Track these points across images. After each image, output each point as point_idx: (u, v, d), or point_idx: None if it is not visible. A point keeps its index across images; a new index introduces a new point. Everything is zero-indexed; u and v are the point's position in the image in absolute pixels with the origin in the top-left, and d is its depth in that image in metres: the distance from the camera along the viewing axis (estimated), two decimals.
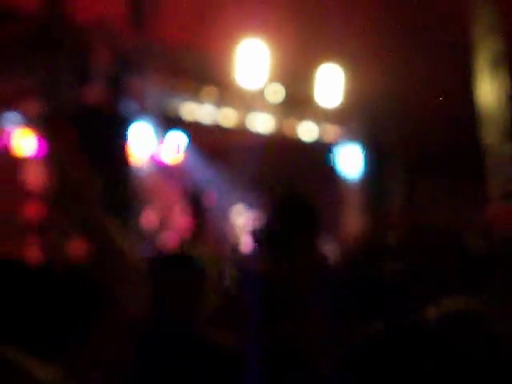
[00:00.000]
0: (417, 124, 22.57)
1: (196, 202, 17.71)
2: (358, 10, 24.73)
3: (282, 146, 22.47)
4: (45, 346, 2.13)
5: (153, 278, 3.30)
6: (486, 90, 21.10)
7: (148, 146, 17.26)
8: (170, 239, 15.78)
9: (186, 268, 3.45)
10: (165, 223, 17.72)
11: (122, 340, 2.09)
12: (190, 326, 3.35)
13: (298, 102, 20.43)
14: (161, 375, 3.19)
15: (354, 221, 22.56)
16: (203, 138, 23.43)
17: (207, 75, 18.17)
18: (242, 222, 20.03)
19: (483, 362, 2.53)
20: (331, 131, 22.19)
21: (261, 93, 19.26)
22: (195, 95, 17.93)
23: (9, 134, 20.50)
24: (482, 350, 2.59)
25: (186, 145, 23.89)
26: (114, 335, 2.07)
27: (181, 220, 19.08)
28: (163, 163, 21.01)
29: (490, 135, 21.07)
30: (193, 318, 3.37)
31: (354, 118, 22.59)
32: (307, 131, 21.37)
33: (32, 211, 19.75)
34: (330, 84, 20.32)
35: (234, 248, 16.14)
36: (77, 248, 13.42)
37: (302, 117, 20.77)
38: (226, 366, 3.23)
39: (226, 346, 3.38)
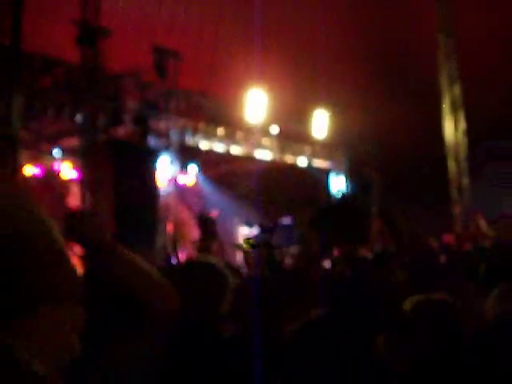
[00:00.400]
0: (392, 157, 22.65)
1: (205, 221, 17.76)
2: (344, 63, 24.92)
3: (280, 172, 22.72)
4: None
5: (182, 283, 3.28)
6: (449, 129, 21.25)
7: (169, 172, 17.36)
8: (187, 250, 15.76)
9: (212, 273, 3.35)
10: (181, 236, 17.71)
11: (153, 340, 2.08)
12: (213, 323, 3.26)
13: (292, 137, 20.51)
14: (186, 370, 3.07)
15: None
16: (215, 166, 23.67)
17: (219, 116, 18.27)
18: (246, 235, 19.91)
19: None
20: (321, 163, 22.23)
21: (263, 129, 19.37)
22: (209, 132, 18.02)
23: (56, 164, 20.76)
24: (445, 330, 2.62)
25: (200, 172, 24.15)
26: (147, 337, 2.00)
27: (195, 234, 19.19)
28: (181, 186, 21.19)
29: (453, 167, 21.18)
30: (216, 316, 3.27)
31: (340, 152, 22.66)
32: (301, 162, 21.46)
33: None
34: (319, 123, 20.36)
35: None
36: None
37: (295, 151, 20.83)
38: (240, 355, 3.13)
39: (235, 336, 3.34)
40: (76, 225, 2.16)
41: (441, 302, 2.74)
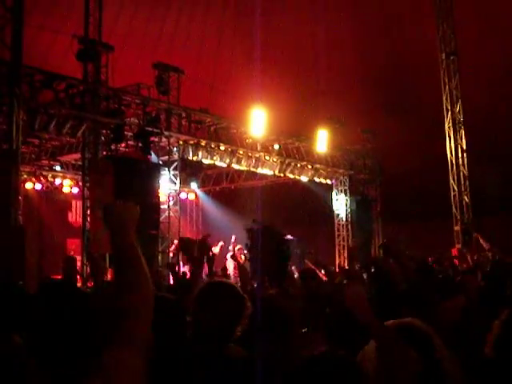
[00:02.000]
0: (393, 176, 22.54)
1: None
2: (346, 82, 24.87)
3: (282, 188, 22.65)
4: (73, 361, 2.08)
5: (202, 304, 3.26)
6: (450, 147, 21.20)
7: (171, 188, 17.21)
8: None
9: (233, 297, 3.28)
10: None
11: (139, 349, 1.96)
12: (225, 345, 3.18)
13: (294, 154, 20.41)
14: None
15: (342, 250, 22.54)
16: (216, 182, 23.59)
17: (221, 133, 18.14)
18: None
19: None
20: (323, 180, 22.11)
21: (264, 146, 19.25)
22: (210, 148, 17.87)
23: (57, 179, 20.64)
24: None
25: (202, 187, 24.06)
26: (132, 346, 1.94)
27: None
28: (183, 201, 21.07)
29: (453, 185, 21.10)
30: (229, 339, 3.20)
31: (342, 170, 22.54)
32: (302, 179, 21.38)
33: (73, 243, 19.73)
34: (321, 141, 20.23)
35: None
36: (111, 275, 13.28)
37: (297, 167, 20.70)
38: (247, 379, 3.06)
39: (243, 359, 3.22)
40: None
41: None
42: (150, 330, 2.04)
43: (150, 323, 2.04)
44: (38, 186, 20.52)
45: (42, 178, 20.49)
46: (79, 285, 11.95)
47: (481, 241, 12.95)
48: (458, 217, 21.06)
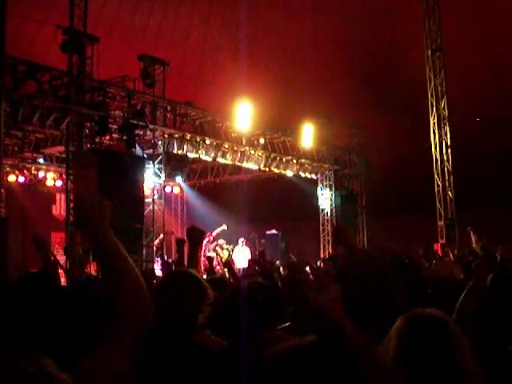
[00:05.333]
0: (378, 171, 22.55)
1: (191, 232, 17.51)
2: (331, 76, 24.80)
3: (267, 183, 22.58)
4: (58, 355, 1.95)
5: (162, 293, 3.30)
6: (435, 143, 21.22)
7: (156, 182, 17.05)
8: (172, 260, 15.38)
9: (193, 285, 3.32)
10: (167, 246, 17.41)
11: (128, 349, 1.93)
12: (189, 332, 3.21)
13: (279, 148, 20.33)
14: (160, 377, 3.03)
15: (326, 245, 22.53)
16: (201, 176, 23.45)
17: (206, 126, 18.01)
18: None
19: None
20: (308, 175, 22.05)
21: (249, 140, 19.14)
22: (196, 142, 17.72)
23: (40, 172, 20.39)
24: None
25: (186, 181, 23.92)
26: (120, 345, 1.92)
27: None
28: (167, 195, 20.93)
29: (438, 180, 21.13)
30: (192, 326, 3.24)
31: (327, 166, 22.50)
32: (287, 173, 21.32)
33: (58, 236, 19.52)
34: (306, 135, 20.18)
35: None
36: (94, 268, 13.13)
37: (282, 162, 20.62)
38: (217, 366, 3.10)
39: (216, 348, 3.30)
40: None
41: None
42: (141, 329, 2.01)
43: (145, 322, 2.03)
44: (21, 179, 20.25)
45: (25, 171, 20.22)
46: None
47: (472, 235, 12.97)
48: (442, 212, 21.09)
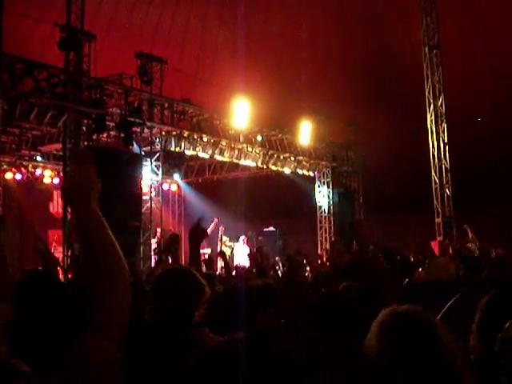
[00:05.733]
0: (375, 169, 22.56)
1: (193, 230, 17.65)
2: (329, 74, 24.82)
3: (265, 180, 22.59)
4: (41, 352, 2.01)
5: (159, 291, 3.35)
6: (432, 140, 21.20)
7: (153, 179, 17.05)
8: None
9: (189, 282, 3.36)
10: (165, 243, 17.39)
11: (113, 336, 1.96)
12: (186, 329, 3.24)
13: (277, 146, 20.35)
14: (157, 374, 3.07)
15: (324, 242, 22.57)
16: (199, 173, 23.45)
17: (204, 124, 18.02)
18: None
19: None
20: (306, 172, 22.09)
21: (247, 138, 19.15)
22: (193, 139, 17.74)
23: (38, 169, 20.36)
24: None
25: (184, 178, 23.91)
26: (105, 339, 1.93)
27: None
28: (165, 192, 20.93)
29: (435, 177, 21.13)
30: (189, 323, 3.26)
31: (324, 163, 22.54)
32: (285, 171, 21.37)
33: (55, 233, 19.51)
34: (304, 133, 20.21)
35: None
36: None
37: (280, 159, 20.64)
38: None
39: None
40: None
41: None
42: (126, 315, 2.02)
43: (128, 309, 2.03)
44: (19, 177, 20.23)
45: (22, 169, 20.19)
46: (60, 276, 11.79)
47: (469, 232, 12.98)
48: (440, 209, 21.10)
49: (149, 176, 16.93)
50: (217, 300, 3.90)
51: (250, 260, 13.05)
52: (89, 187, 2.13)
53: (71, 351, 1.86)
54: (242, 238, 19.88)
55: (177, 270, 3.67)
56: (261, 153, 19.90)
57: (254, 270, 7.21)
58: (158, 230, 17.42)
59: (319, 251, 22.02)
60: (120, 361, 1.93)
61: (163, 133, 17.06)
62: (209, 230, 19.51)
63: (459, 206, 20.68)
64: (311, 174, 22.72)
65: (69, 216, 14.76)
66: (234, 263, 18.06)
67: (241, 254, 19.09)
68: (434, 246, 13.61)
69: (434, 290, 4.27)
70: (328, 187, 23.23)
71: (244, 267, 14.61)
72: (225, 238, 20.03)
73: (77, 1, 15.18)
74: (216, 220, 19.57)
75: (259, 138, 19.71)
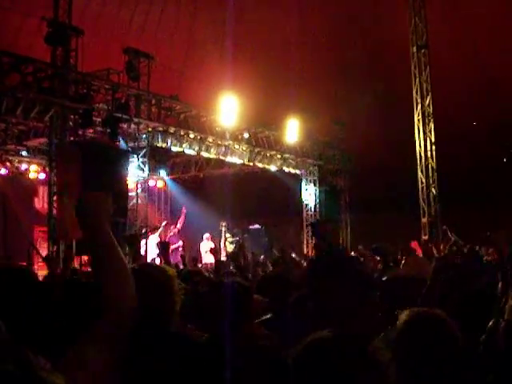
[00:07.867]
0: (362, 167, 22.71)
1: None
2: (316, 72, 24.92)
3: (251, 177, 22.65)
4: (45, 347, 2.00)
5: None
6: (420, 139, 21.34)
7: (139, 175, 17.09)
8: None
9: (153, 278, 3.35)
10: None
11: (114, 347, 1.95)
12: (166, 325, 3.26)
13: (263, 143, 20.45)
14: (144, 367, 3.00)
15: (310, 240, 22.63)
16: (185, 170, 23.49)
17: (190, 120, 18.09)
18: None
19: None
20: (292, 170, 22.22)
21: (234, 134, 19.22)
22: (180, 136, 17.81)
23: (23, 164, 20.35)
24: None
25: (170, 175, 23.96)
26: (106, 343, 1.93)
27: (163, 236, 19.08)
28: (151, 189, 21.00)
29: (422, 177, 21.29)
30: (166, 318, 3.27)
31: (311, 161, 22.67)
32: (271, 168, 21.49)
33: (40, 229, 19.50)
34: (291, 131, 20.30)
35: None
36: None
37: (266, 156, 20.76)
38: (200, 353, 3.17)
39: (195, 337, 3.37)
40: None
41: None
42: (128, 328, 2.04)
43: (130, 323, 2.05)
44: (4, 171, 20.23)
45: (7, 163, 20.19)
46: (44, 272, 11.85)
47: (449, 233, 13.09)
48: (426, 209, 21.26)
49: (135, 172, 16.96)
50: (201, 298, 3.97)
51: (213, 255, 13.30)
52: (102, 210, 2.18)
53: (71, 351, 1.88)
54: (206, 235, 19.82)
55: (143, 267, 3.68)
56: (247, 150, 20.00)
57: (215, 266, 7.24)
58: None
59: (305, 250, 22.15)
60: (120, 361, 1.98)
61: (150, 129, 17.09)
62: (180, 223, 19.66)
63: (444, 205, 20.89)
64: (298, 171, 22.84)
65: (54, 211, 14.79)
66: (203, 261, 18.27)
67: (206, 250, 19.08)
68: (415, 245, 13.71)
69: (403, 285, 4.36)
70: (314, 185, 23.36)
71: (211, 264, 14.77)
72: (228, 235, 20.26)
73: None
74: (184, 210, 19.72)
75: (246, 135, 19.79)
